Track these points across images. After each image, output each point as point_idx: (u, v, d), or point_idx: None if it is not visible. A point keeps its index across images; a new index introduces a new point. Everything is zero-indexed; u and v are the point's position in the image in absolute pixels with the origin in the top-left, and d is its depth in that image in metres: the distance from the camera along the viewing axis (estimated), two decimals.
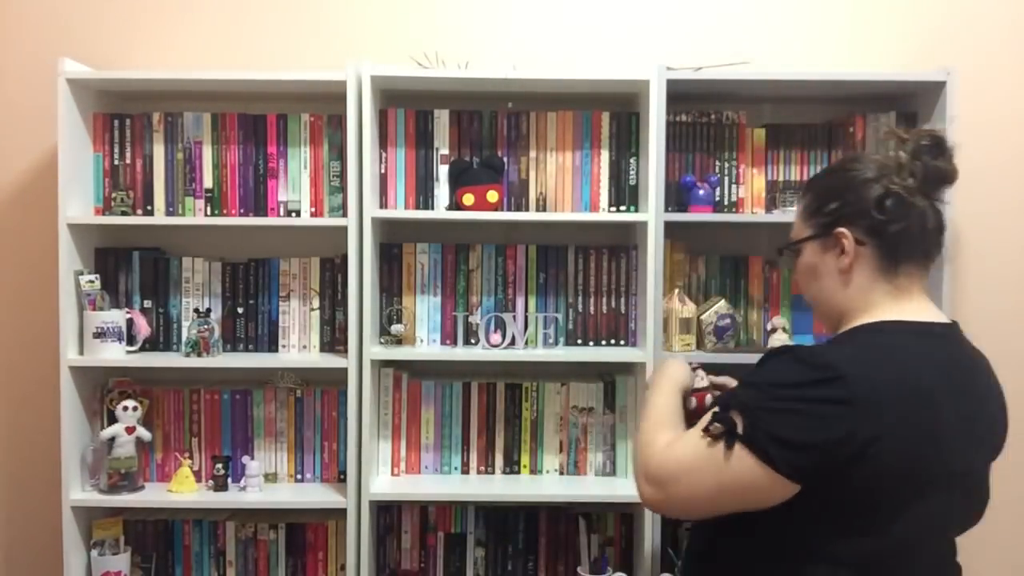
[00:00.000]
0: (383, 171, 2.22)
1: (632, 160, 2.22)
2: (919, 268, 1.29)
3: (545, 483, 2.23)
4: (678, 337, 2.16)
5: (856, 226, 1.27)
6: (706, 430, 1.21)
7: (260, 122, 2.24)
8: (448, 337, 2.25)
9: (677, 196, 2.19)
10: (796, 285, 1.43)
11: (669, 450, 1.26)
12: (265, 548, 2.27)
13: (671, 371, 1.51)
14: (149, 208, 2.24)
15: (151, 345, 2.27)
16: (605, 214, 2.21)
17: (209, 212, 2.23)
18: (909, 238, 1.26)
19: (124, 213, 2.21)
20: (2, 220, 2.40)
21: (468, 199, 2.15)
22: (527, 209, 2.23)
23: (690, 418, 1.42)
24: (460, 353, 2.18)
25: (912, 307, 1.27)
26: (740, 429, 1.17)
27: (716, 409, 1.23)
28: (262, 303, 2.28)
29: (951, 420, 1.18)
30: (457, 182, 2.19)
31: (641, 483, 1.28)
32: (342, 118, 2.14)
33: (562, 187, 2.23)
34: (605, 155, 2.22)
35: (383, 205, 2.22)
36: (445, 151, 2.23)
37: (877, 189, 1.25)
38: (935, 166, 1.26)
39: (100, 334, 2.15)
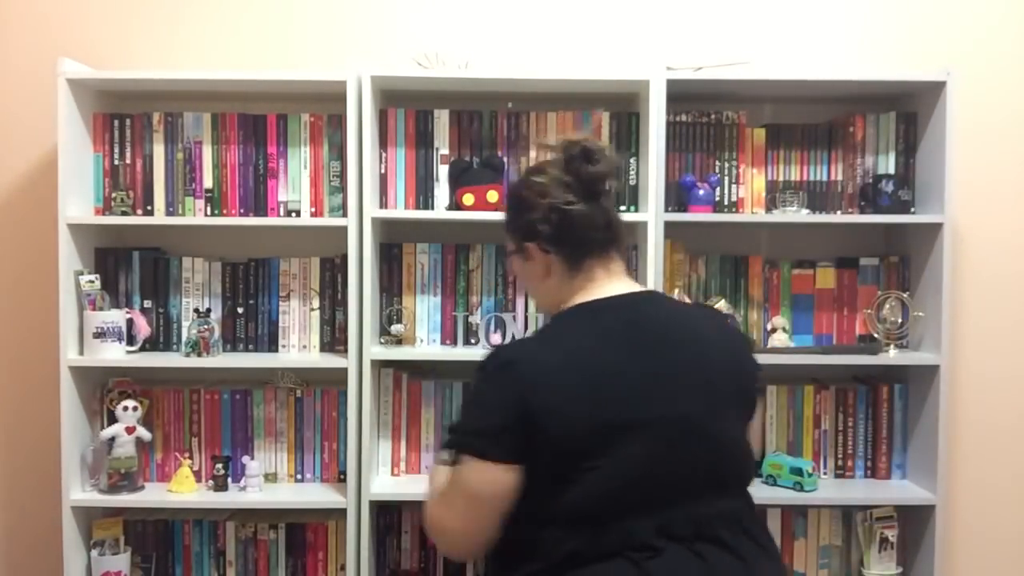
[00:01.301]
0: (383, 171, 2.22)
1: (632, 160, 2.21)
2: (601, 258, 1.43)
3: None
4: None
5: (538, 239, 1.42)
6: (447, 463, 1.36)
7: (260, 122, 2.24)
8: (448, 337, 2.25)
9: (677, 196, 2.19)
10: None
11: (431, 496, 1.40)
12: (265, 548, 2.27)
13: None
14: (149, 208, 2.24)
15: (151, 345, 2.27)
16: None
17: (209, 212, 2.23)
18: (582, 239, 1.41)
19: (124, 213, 2.21)
20: (2, 220, 2.40)
21: (468, 199, 2.15)
22: None
23: None
24: (460, 353, 2.18)
25: (599, 288, 1.41)
26: (451, 443, 1.35)
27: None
28: (262, 303, 2.28)
29: (633, 376, 1.30)
30: (457, 182, 2.19)
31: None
32: (342, 118, 2.14)
33: None
34: None
35: (383, 205, 2.22)
36: (445, 151, 2.23)
37: (541, 209, 1.41)
38: (588, 172, 1.40)
39: (100, 334, 2.15)
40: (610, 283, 1.43)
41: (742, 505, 1.38)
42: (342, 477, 2.23)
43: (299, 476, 2.28)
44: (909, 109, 2.25)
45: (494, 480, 1.29)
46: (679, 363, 1.34)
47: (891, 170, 2.25)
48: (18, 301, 2.40)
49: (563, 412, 1.26)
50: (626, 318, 1.37)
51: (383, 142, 2.22)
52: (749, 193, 2.24)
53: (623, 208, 2.22)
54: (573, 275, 1.43)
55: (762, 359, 2.16)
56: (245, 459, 2.22)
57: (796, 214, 2.20)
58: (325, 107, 2.22)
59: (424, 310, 2.25)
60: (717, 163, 2.23)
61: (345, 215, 2.13)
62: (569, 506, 1.27)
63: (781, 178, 2.26)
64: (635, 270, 2.23)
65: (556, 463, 1.27)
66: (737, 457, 1.40)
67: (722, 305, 2.20)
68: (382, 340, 2.22)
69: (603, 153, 1.42)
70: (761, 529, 1.42)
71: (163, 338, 2.28)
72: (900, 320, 2.22)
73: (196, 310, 2.25)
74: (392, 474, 2.25)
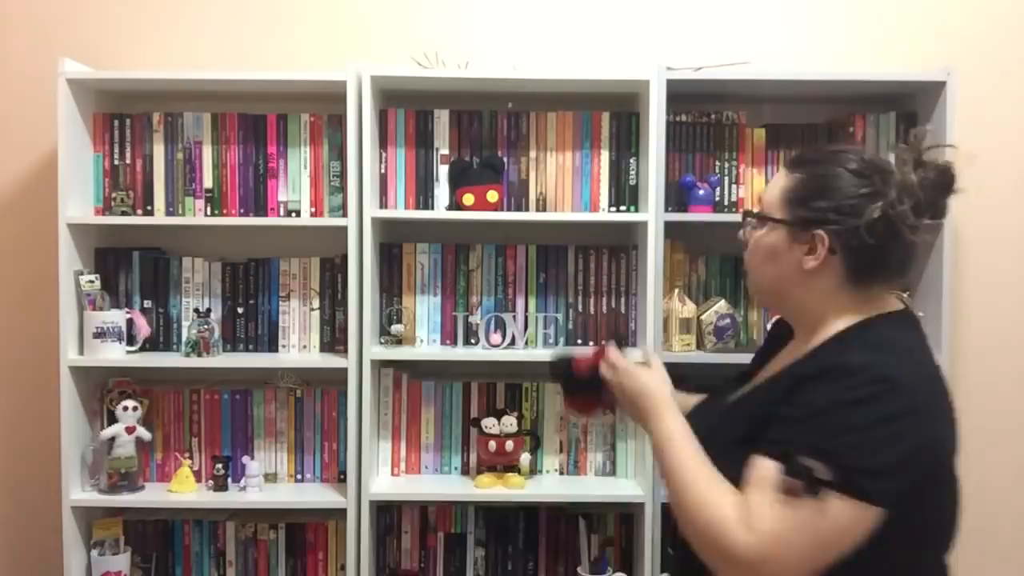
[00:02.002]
0: (383, 171, 2.22)
1: (632, 160, 2.22)
2: (886, 286, 1.23)
3: (545, 483, 2.23)
4: (678, 337, 2.16)
5: (837, 236, 1.18)
6: (786, 489, 1.07)
7: (260, 122, 2.24)
8: (448, 337, 2.25)
9: (677, 196, 2.19)
10: (746, 253, 1.32)
11: (750, 527, 1.07)
12: (265, 548, 2.27)
13: (656, 388, 1.31)
14: (149, 208, 2.24)
15: (151, 345, 2.27)
16: (605, 214, 2.21)
17: (209, 212, 2.23)
18: (884, 261, 1.19)
19: (124, 213, 2.21)
20: (2, 220, 2.40)
21: (468, 199, 2.15)
22: (527, 209, 2.23)
23: (580, 390, 1.40)
24: (460, 353, 2.18)
25: (879, 304, 1.22)
26: (825, 474, 1.04)
27: (766, 459, 1.10)
28: (262, 303, 2.28)
29: (952, 413, 1.17)
30: (457, 182, 2.19)
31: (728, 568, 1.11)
32: (342, 118, 2.14)
33: (562, 187, 2.23)
34: (605, 155, 2.22)
35: (383, 205, 2.22)
36: (445, 151, 2.23)
37: (874, 210, 1.15)
38: (937, 204, 1.19)
39: (100, 334, 2.15)
40: (890, 297, 1.24)
41: None
42: (342, 477, 2.23)
43: (299, 476, 2.28)
44: (909, 109, 2.25)
45: (864, 528, 1.05)
46: None
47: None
48: (18, 301, 2.40)
49: (949, 451, 1.14)
50: (924, 339, 1.22)
51: (383, 142, 2.22)
52: (749, 193, 2.24)
53: (623, 208, 2.22)
54: (848, 289, 1.21)
55: None
56: (245, 459, 2.22)
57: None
58: (325, 107, 2.22)
59: (424, 310, 2.25)
60: (717, 163, 2.23)
61: (345, 215, 2.13)
62: (927, 540, 1.14)
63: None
64: (635, 270, 2.24)
65: (935, 512, 1.14)
66: None
67: (722, 305, 2.20)
68: (382, 340, 2.22)
69: (954, 188, 1.19)
70: None
71: (163, 338, 2.28)
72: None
73: (196, 310, 2.25)
74: (392, 474, 2.25)
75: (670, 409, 1.26)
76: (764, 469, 1.09)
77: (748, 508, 1.08)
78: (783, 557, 1.06)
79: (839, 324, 1.20)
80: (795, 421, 1.10)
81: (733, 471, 1.14)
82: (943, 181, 1.18)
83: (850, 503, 1.04)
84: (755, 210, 1.30)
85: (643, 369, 1.35)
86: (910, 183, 1.16)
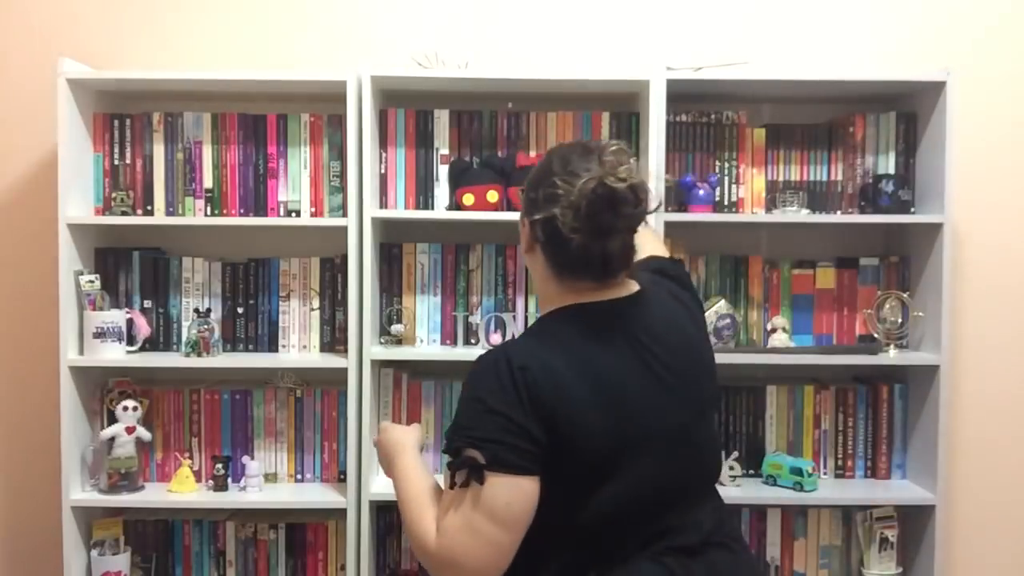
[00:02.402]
0: (383, 171, 2.22)
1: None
2: (593, 281, 1.30)
3: None
4: None
5: (533, 225, 1.30)
6: (453, 484, 1.21)
7: (260, 122, 2.24)
8: (448, 337, 2.25)
9: (677, 196, 2.19)
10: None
11: (441, 529, 1.21)
12: (265, 548, 2.27)
13: (399, 438, 1.44)
14: (149, 208, 2.24)
15: (151, 345, 2.27)
16: None
17: (209, 212, 2.23)
18: (572, 260, 1.28)
19: (124, 213, 2.21)
20: (2, 220, 2.40)
21: (468, 199, 2.15)
22: None
23: None
24: (460, 353, 2.18)
25: (587, 295, 1.30)
26: (481, 458, 1.18)
27: (448, 459, 1.24)
28: (262, 303, 2.28)
29: (634, 386, 1.24)
30: (457, 182, 2.19)
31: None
32: (342, 118, 2.14)
33: None
34: None
35: (383, 205, 2.22)
36: (445, 151, 2.23)
37: (546, 210, 1.25)
38: (600, 219, 1.24)
39: (100, 334, 2.15)
40: (600, 291, 1.31)
41: (719, 500, 1.38)
42: (342, 477, 2.23)
43: (299, 476, 2.28)
44: (909, 109, 2.25)
45: (527, 495, 1.18)
46: (671, 370, 1.28)
47: (891, 170, 2.25)
48: (18, 301, 2.40)
49: (583, 422, 1.20)
50: (618, 325, 1.28)
51: (383, 142, 2.22)
52: (749, 193, 2.24)
53: None
54: (554, 279, 1.31)
55: (762, 359, 2.18)
56: (245, 459, 2.22)
57: (796, 214, 2.20)
58: (325, 107, 2.22)
59: (424, 310, 2.25)
60: (717, 163, 2.23)
61: (345, 215, 2.13)
62: (580, 521, 1.21)
63: (781, 178, 2.26)
64: None
65: (573, 475, 1.21)
66: (717, 456, 1.41)
67: (722, 305, 2.20)
68: (382, 340, 2.22)
69: (634, 200, 1.26)
70: (731, 518, 1.43)
71: (163, 338, 2.28)
72: (900, 320, 2.22)
73: (196, 310, 2.25)
74: None
75: (408, 451, 1.40)
76: (445, 473, 1.24)
77: (440, 514, 1.23)
78: (470, 544, 1.17)
79: (549, 307, 1.33)
80: (457, 414, 1.26)
81: None
82: (609, 201, 1.23)
83: (498, 476, 1.17)
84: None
85: (396, 426, 1.49)
86: (577, 197, 1.23)
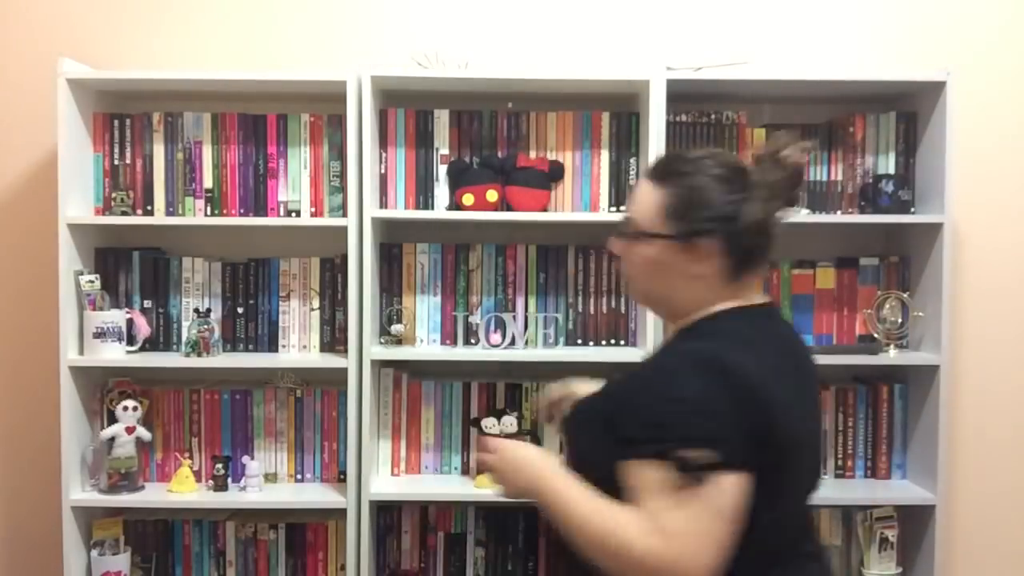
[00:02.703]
0: (383, 171, 2.22)
1: (632, 160, 2.22)
2: (756, 276, 1.34)
3: None
4: None
5: (720, 242, 1.27)
6: (679, 484, 1.15)
7: (260, 122, 2.24)
8: (448, 337, 2.25)
9: None
10: (624, 263, 1.38)
11: (664, 531, 1.14)
12: (265, 548, 2.27)
13: (534, 455, 1.39)
14: (149, 208, 2.24)
15: (151, 345, 2.27)
16: (605, 214, 2.21)
17: (209, 212, 2.23)
18: (760, 255, 1.31)
19: (124, 213, 2.21)
20: (2, 220, 2.40)
21: (468, 199, 2.15)
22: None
23: None
24: (460, 353, 2.18)
25: (746, 296, 1.32)
26: (713, 457, 1.14)
27: (643, 464, 1.17)
28: (262, 303, 2.28)
29: (800, 389, 1.29)
30: (457, 182, 2.19)
31: None
32: (342, 118, 2.14)
33: (562, 187, 2.23)
34: (605, 155, 2.22)
35: (383, 205, 2.22)
36: (445, 151, 2.23)
37: (750, 212, 1.26)
38: (792, 196, 1.32)
39: (100, 334, 2.15)
40: (756, 293, 1.35)
41: None
42: (342, 477, 2.23)
43: (299, 476, 2.28)
44: (909, 109, 2.25)
45: (745, 494, 1.16)
46: (811, 376, 1.36)
47: (891, 170, 2.25)
48: (18, 301, 2.40)
49: (783, 419, 1.20)
50: (773, 328, 1.34)
51: (383, 142, 2.22)
52: None
53: (623, 208, 2.22)
54: (729, 283, 1.30)
55: None
56: (245, 459, 2.22)
57: (796, 214, 2.20)
58: (325, 107, 2.22)
59: (424, 310, 2.25)
60: None
61: (345, 215, 2.13)
62: (764, 520, 1.20)
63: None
64: None
65: (769, 472, 1.19)
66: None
67: None
68: (382, 340, 2.22)
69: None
70: None
71: (163, 338, 2.28)
72: (900, 320, 2.22)
73: (196, 310, 2.25)
74: (392, 474, 2.25)
75: (553, 466, 1.34)
76: (646, 475, 1.17)
77: (652, 516, 1.15)
78: (702, 546, 1.14)
79: (697, 316, 1.31)
80: (659, 414, 1.19)
81: (602, 466, 1.24)
82: (795, 177, 1.31)
83: (734, 476, 1.15)
84: (631, 225, 1.35)
85: (516, 443, 1.43)
86: (769, 182, 1.28)
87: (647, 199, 1.32)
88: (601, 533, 1.19)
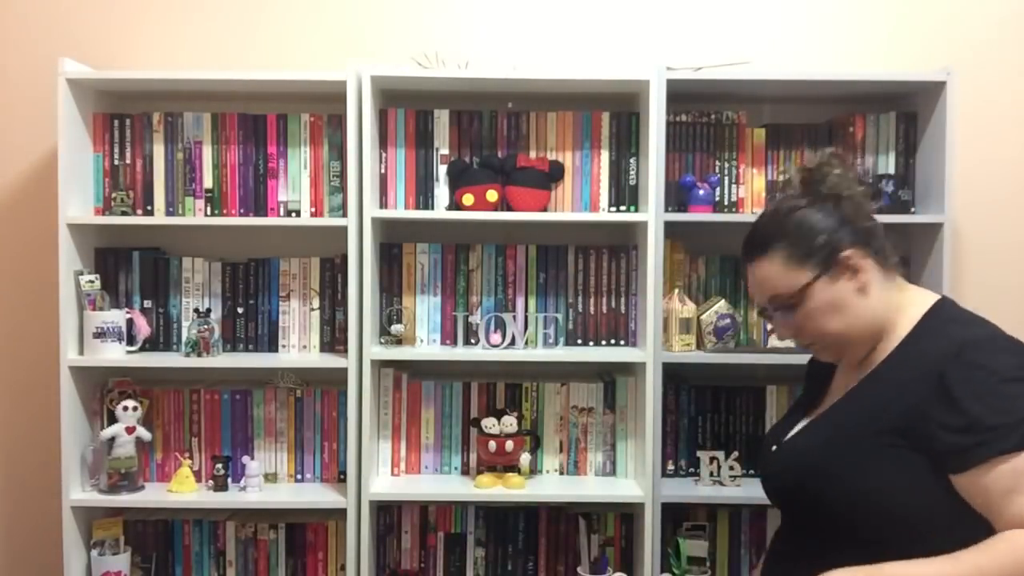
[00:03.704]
0: (383, 171, 2.22)
1: (632, 160, 2.21)
2: (901, 271, 1.38)
3: (545, 483, 2.23)
4: (678, 337, 2.16)
5: (855, 243, 1.30)
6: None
7: (260, 122, 2.24)
8: (448, 337, 2.25)
9: (677, 196, 2.19)
10: (801, 336, 1.38)
11: None
12: (265, 548, 2.27)
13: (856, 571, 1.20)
14: (149, 208, 2.24)
15: (151, 345, 2.27)
16: (605, 214, 2.21)
17: (209, 212, 2.23)
18: (882, 238, 1.35)
19: (124, 213, 2.21)
20: (2, 220, 2.40)
21: (468, 199, 2.15)
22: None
23: None
24: (460, 353, 2.18)
25: (915, 294, 1.36)
26: None
27: (1016, 452, 1.13)
28: (262, 303, 2.28)
29: None
30: (457, 182, 2.19)
31: None
32: (342, 118, 2.14)
33: (562, 187, 2.23)
34: (605, 155, 2.22)
35: (383, 205, 2.22)
36: (445, 151, 2.23)
37: (849, 206, 1.31)
38: (860, 178, 1.39)
39: (100, 334, 2.15)
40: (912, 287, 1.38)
41: None
42: (342, 477, 2.23)
43: (299, 476, 2.28)
44: (909, 109, 2.25)
45: None
46: None
47: (891, 170, 2.25)
48: (18, 301, 2.40)
49: None
50: None
51: (383, 142, 2.22)
52: (749, 193, 2.24)
53: (623, 208, 2.22)
54: (889, 278, 1.34)
55: (762, 359, 2.18)
56: (245, 459, 2.22)
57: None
58: (325, 107, 2.22)
59: (424, 310, 2.25)
60: (717, 163, 2.23)
61: (345, 215, 2.13)
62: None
63: (781, 178, 2.26)
64: (635, 270, 2.24)
65: None
66: None
67: (722, 305, 2.20)
68: (382, 340, 2.22)
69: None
70: None
71: (163, 338, 2.28)
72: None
73: (196, 310, 2.25)
74: (392, 474, 2.25)
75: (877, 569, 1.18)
76: (1012, 471, 1.12)
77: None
78: None
79: (905, 317, 1.31)
80: (983, 415, 1.14)
81: (875, 477, 1.20)
82: (848, 168, 1.37)
83: None
84: (779, 301, 1.34)
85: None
86: (835, 182, 1.34)
87: (769, 271, 1.34)
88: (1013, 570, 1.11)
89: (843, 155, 1.39)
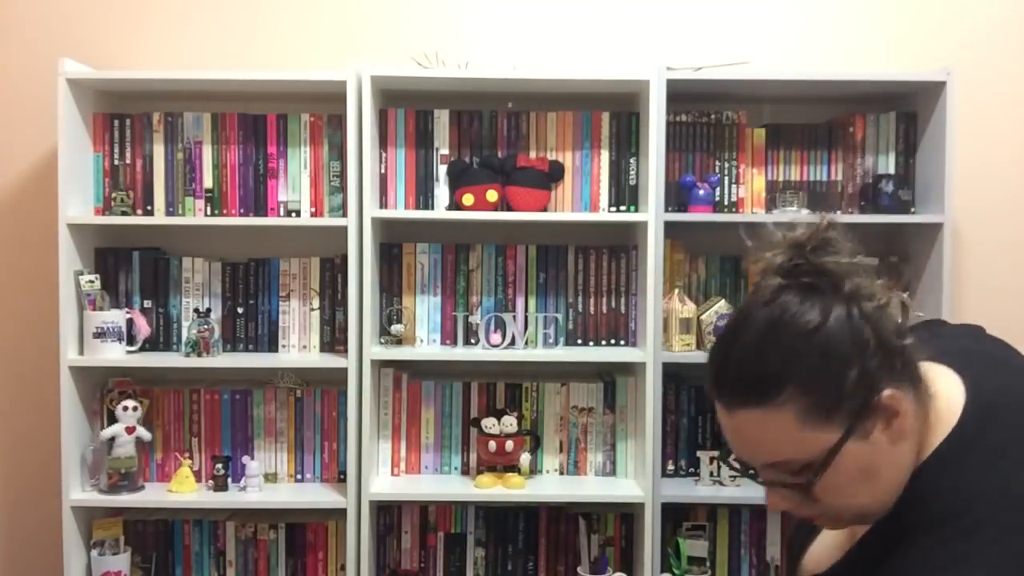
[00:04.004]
0: (383, 171, 2.22)
1: (632, 160, 2.21)
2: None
3: (545, 483, 2.23)
4: (678, 337, 2.16)
5: (893, 377, 0.90)
6: None
7: (260, 122, 2.24)
8: (448, 337, 2.25)
9: (677, 196, 2.19)
10: (810, 508, 0.95)
11: None
12: (265, 548, 2.27)
13: None
14: (149, 208, 2.24)
15: (151, 345, 2.27)
16: (605, 214, 2.21)
17: (209, 212, 2.23)
18: (914, 357, 0.97)
19: (124, 213, 2.21)
20: (2, 220, 2.40)
21: (468, 199, 2.15)
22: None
23: None
24: (460, 353, 2.18)
25: (934, 408, 0.95)
26: None
27: None
28: (262, 303, 2.28)
29: None
30: (457, 182, 2.19)
31: None
32: (342, 118, 2.14)
33: (562, 187, 2.23)
34: (605, 155, 2.22)
35: (383, 205, 2.22)
36: (445, 151, 2.23)
37: (878, 317, 0.93)
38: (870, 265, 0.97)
39: (100, 334, 2.15)
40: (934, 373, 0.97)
41: None
42: (342, 477, 2.23)
43: (299, 476, 2.28)
44: (909, 109, 2.25)
45: None
46: None
47: (891, 170, 2.25)
48: (18, 301, 2.40)
49: None
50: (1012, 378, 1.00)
51: (383, 142, 2.22)
52: (749, 193, 2.24)
53: (623, 208, 2.22)
54: (921, 404, 0.93)
55: None
56: (245, 459, 2.22)
57: (796, 214, 2.20)
58: (325, 107, 2.22)
59: (424, 310, 2.25)
60: (717, 163, 2.23)
61: (345, 215, 2.13)
62: None
63: (781, 178, 2.26)
64: (635, 270, 2.24)
65: None
66: None
67: (722, 305, 2.20)
68: (382, 340, 2.22)
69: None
70: None
71: (163, 338, 2.28)
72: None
73: (196, 310, 2.25)
74: (392, 474, 2.25)
75: None
76: None
77: None
78: None
79: (938, 432, 0.93)
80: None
81: None
82: (857, 256, 0.96)
83: None
84: (787, 468, 0.92)
85: None
86: (857, 280, 0.94)
87: (772, 429, 0.89)
88: None
89: (839, 224, 0.94)
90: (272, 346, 2.28)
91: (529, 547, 2.29)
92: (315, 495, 2.20)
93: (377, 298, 2.22)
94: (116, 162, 2.25)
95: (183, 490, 2.18)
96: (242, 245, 2.32)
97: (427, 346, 2.25)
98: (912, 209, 2.22)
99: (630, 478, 2.25)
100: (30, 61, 2.36)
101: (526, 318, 2.23)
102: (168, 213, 2.24)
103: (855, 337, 0.89)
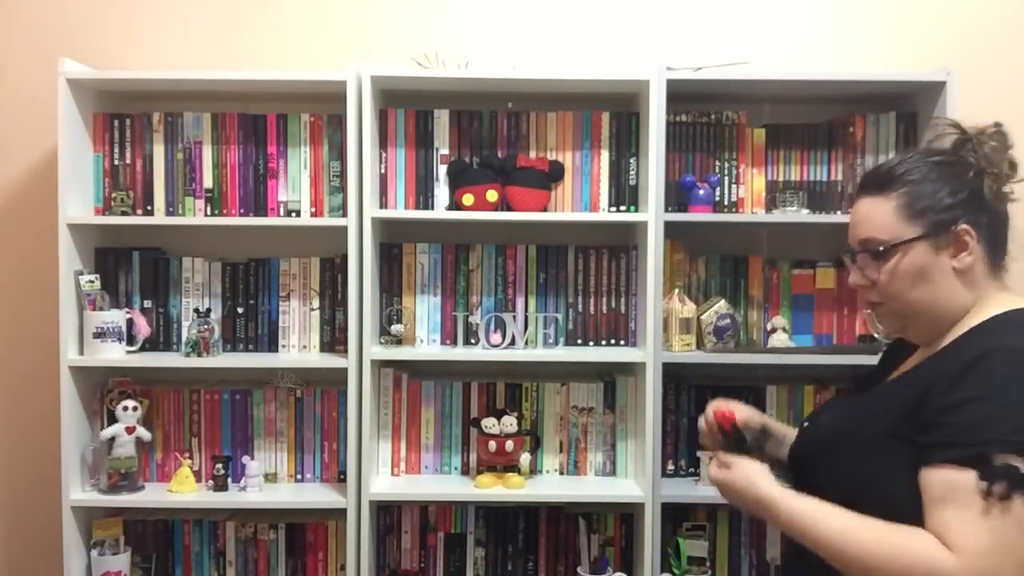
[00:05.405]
0: (383, 171, 2.22)
1: (632, 160, 2.22)
2: (1006, 266, 1.25)
3: (545, 483, 2.23)
4: (678, 337, 2.16)
5: (976, 222, 1.19)
6: (988, 494, 1.04)
7: (260, 122, 2.24)
8: (448, 337, 2.25)
9: (677, 196, 2.19)
10: (873, 291, 1.26)
11: (960, 548, 1.04)
12: (265, 548, 2.27)
13: (756, 476, 1.26)
14: (149, 208, 2.24)
15: (151, 345, 2.27)
16: (605, 214, 2.21)
17: (209, 212, 2.23)
18: (1004, 235, 1.24)
19: (124, 213, 2.21)
20: (2, 220, 2.40)
21: (468, 199, 2.15)
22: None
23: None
24: (460, 353, 2.18)
25: (1012, 293, 1.23)
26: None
27: (945, 470, 1.07)
28: (262, 303, 2.28)
29: None
30: (457, 182, 2.19)
31: None
32: (342, 118, 2.14)
33: (562, 187, 2.23)
34: (605, 155, 2.22)
35: (383, 205, 2.22)
36: (445, 151, 2.23)
37: (989, 181, 1.20)
38: (1013, 160, 1.25)
39: (100, 334, 2.15)
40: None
41: None
42: (342, 477, 2.23)
43: (299, 476, 2.28)
44: (909, 109, 2.25)
45: None
46: None
47: None
48: (18, 301, 2.40)
49: None
50: None
51: (383, 142, 2.22)
52: (749, 193, 2.24)
53: (623, 208, 2.22)
54: (991, 275, 1.22)
55: (762, 359, 2.18)
56: (245, 459, 2.22)
57: (796, 214, 2.20)
58: (325, 107, 2.22)
59: (424, 310, 2.25)
60: (717, 163, 2.23)
61: (345, 215, 2.13)
62: None
63: (781, 178, 2.26)
64: (635, 270, 2.24)
65: None
66: None
67: (722, 305, 2.20)
68: (382, 340, 2.22)
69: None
70: None
71: (163, 338, 2.28)
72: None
73: (196, 310, 2.25)
74: (392, 474, 2.25)
75: (783, 492, 1.22)
76: (948, 482, 1.07)
77: (948, 530, 1.06)
78: (1003, 567, 1.03)
79: (981, 314, 1.20)
80: (962, 420, 1.08)
81: (874, 465, 1.17)
82: (1004, 140, 1.27)
83: None
84: (870, 245, 1.24)
85: (749, 460, 1.30)
86: (985, 154, 1.23)
87: (877, 212, 1.24)
88: (889, 554, 1.09)
89: (1007, 133, 1.26)
90: (272, 346, 2.28)
91: (529, 547, 2.29)
92: (315, 495, 2.20)
93: (377, 298, 2.22)
94: (116, 162, 2.25)
95: (183, 490, 2.18)
96: (242, 245, 2.32)
97: (427, 346, 2.25)
98: None
99: (630, 478, 2.25)
100: (30, 61, 2.36)
101: (526, 318, 2.23)
102: (168, 213, 2.24)
103: (960, 178, 1.21)
